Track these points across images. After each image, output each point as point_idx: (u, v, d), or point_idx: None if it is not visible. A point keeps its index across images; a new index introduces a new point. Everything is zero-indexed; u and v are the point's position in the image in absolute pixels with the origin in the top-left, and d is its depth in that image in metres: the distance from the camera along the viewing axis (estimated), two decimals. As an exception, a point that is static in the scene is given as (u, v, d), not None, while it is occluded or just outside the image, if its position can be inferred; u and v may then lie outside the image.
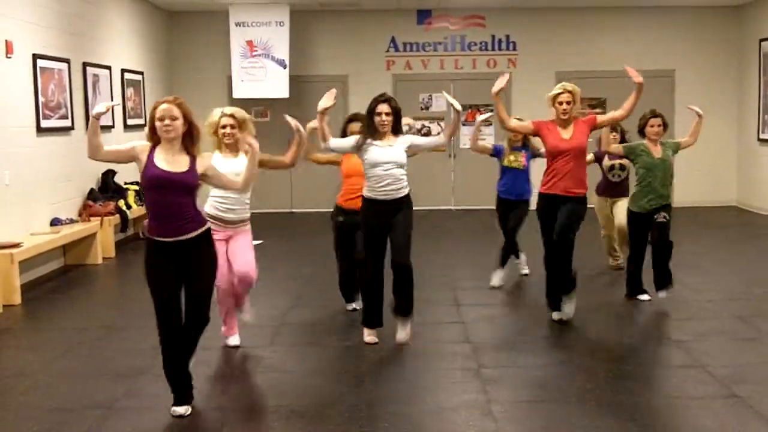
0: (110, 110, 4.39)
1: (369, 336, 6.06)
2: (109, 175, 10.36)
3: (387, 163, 5.77)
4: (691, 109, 7.07)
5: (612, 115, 6.49)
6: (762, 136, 12.82)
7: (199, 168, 4.66)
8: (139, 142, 4.68)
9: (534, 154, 7.79)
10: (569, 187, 6.26)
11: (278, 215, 13.41)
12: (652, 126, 6.93)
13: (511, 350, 5.95)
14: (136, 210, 10.64)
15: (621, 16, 13.72)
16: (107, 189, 10.39)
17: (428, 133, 13.74)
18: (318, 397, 5.05)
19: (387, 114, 5.79)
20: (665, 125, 7.02)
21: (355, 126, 6.33)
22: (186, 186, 4.60)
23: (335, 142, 5.91)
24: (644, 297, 7.17)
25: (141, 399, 5.04)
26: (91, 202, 9.73)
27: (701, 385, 5.25)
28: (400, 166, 5.83)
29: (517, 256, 8.19)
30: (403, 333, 6.02)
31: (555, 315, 6.55)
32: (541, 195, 6.42)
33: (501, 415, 4.70)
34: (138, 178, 10.65)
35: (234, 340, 6.04)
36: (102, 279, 8.85)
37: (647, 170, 6.89)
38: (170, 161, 4.57)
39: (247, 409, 4.96)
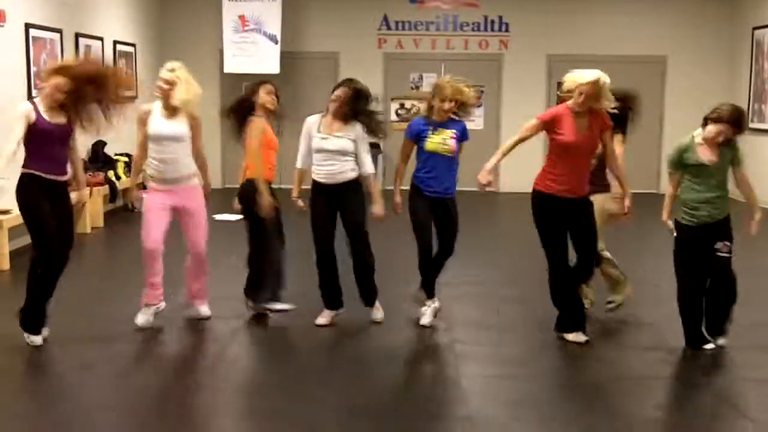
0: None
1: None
2: (99, 145, 10.44)
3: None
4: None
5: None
6: (752, 126, 12.85)
7: None
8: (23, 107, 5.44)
9: (464, 136, 6.07)
10: None
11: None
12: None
13: (483, 328, 6.08)
14: (126, 181, 10.71)
15: (614, 1, 13.74)
16: (97, 159, 10.47)
17: (417, 112, 13.43)
18: (284, 373, 5.21)
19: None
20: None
21: (264, 89, 5.86)
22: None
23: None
24: (709, 346, 5.59)
25: (118, 363, 5.20)
26: (80, 172, 9.80)
27: (667, 366, 5.40)
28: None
29: (431, 294, 6.10)
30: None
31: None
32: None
33: (469, 388, 4.87)
34: (125, 150, 10.59)
35: (142, 318, 5.76)
36: (90, 248, 8.96)
37: None
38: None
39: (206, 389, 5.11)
